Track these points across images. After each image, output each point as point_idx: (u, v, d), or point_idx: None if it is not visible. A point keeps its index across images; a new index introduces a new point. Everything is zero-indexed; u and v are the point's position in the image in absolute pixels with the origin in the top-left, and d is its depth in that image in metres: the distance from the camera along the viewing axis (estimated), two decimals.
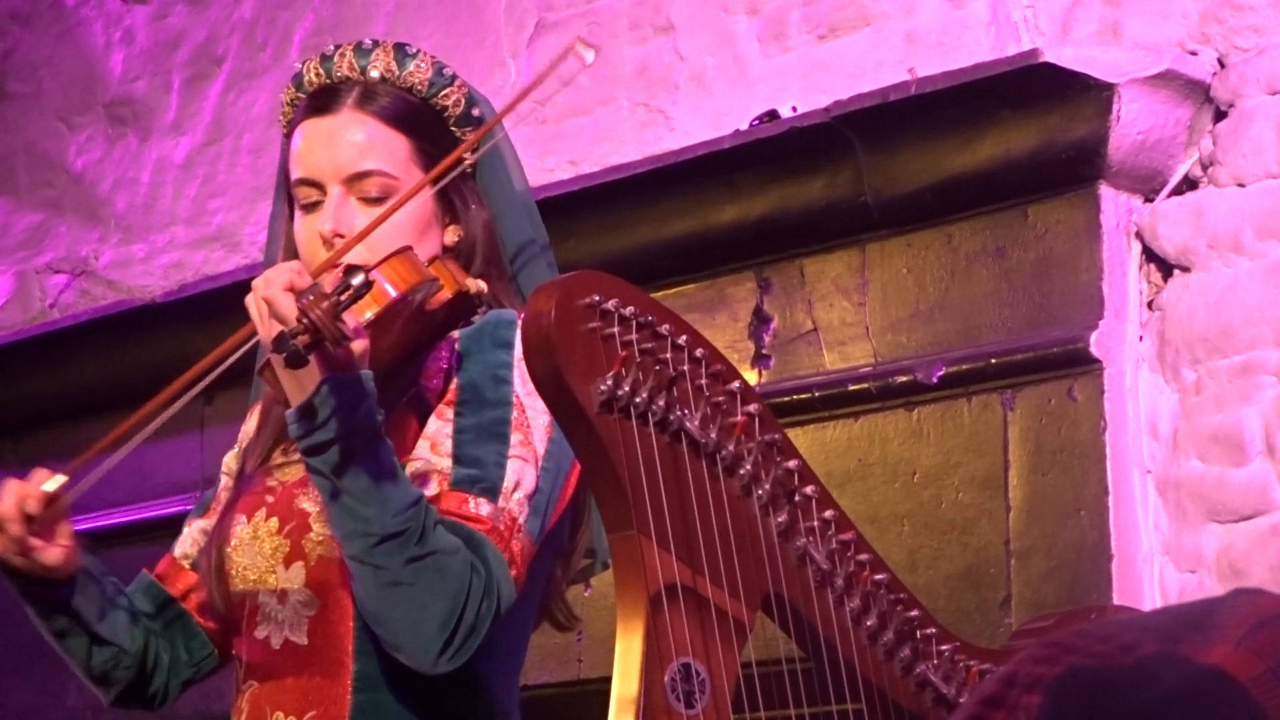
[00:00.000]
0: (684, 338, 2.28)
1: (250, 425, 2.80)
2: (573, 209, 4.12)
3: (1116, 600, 3.53)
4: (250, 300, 2.45)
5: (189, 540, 2.80)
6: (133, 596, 2.77)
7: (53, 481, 2.57)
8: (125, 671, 2.72)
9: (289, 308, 2.37)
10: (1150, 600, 3.59)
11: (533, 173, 4.18)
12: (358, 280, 2.36)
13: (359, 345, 2.44)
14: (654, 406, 2.24)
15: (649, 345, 2.26)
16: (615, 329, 2.24)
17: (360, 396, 2.44)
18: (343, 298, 2.35)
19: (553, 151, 4.50)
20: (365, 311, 2.47)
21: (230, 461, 2.82)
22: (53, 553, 2.59)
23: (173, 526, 2.80)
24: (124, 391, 5.04)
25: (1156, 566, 3.64)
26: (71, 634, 2.68)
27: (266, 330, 2.42)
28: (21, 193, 5.64)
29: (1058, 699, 1.10)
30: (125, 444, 2.58)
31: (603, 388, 2.23)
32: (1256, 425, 3.56)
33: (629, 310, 2.25)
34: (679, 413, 2.26)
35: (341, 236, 2.62)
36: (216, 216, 5.21)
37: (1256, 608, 1.14)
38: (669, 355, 2.26)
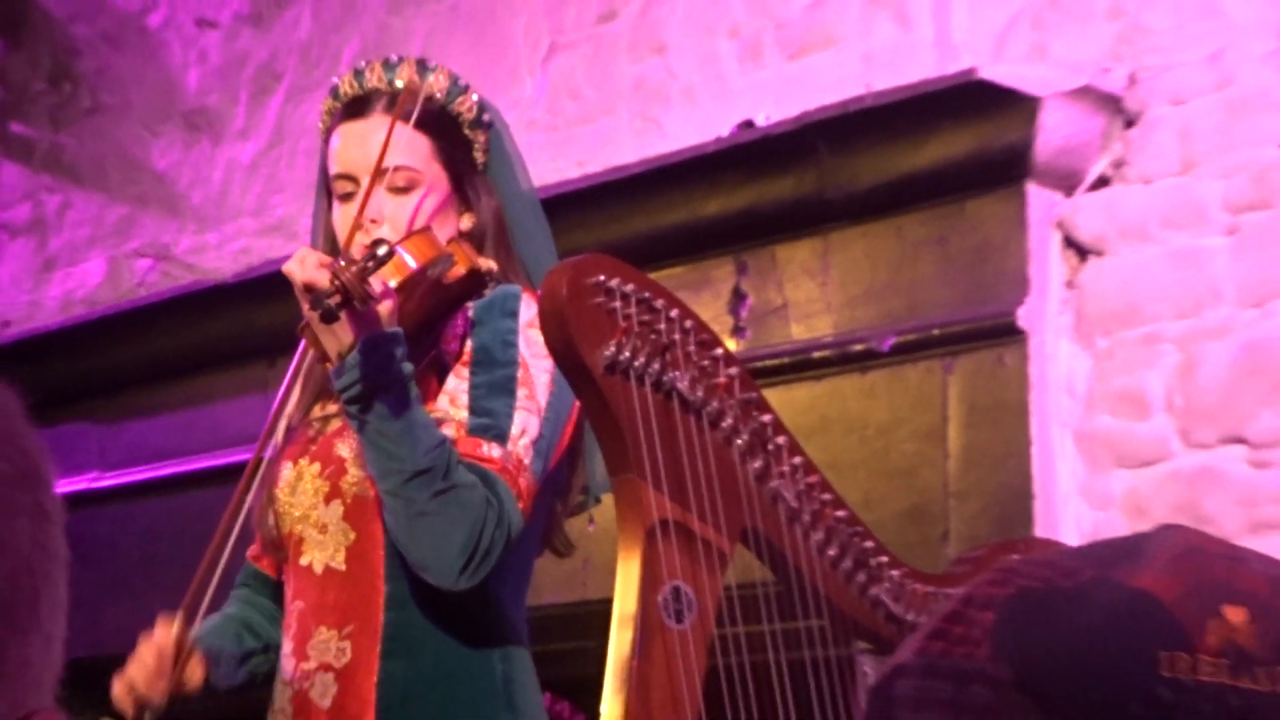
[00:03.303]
0: (675, 311, 2.26)
1: (296, 394, 2.78)
2: (580, 203, 4.11)
3: (1039, 534, 3.52)
4: (294, 281, 2.45)
5: None
6: (249, 585, 2.79)
7: (175, 625, 2.57)
8: (267, 662, 2.73)
9: (323, 276, 2.38)
10: (1068, 534, 3.58)
11: (546, 172, 4.17)
12: (382, 250, 2.38)
13: (386, 306, 2.44)
14: (650, 369, 2.23)
15: (646, 317, 2.24)
16: (618, 304, 2.22)
17: (392, 352, 2.44)
18: (369, 265, 2.36)
19: (563, 155, 4.48)
20: (389, 278, 2.47)
21: (282, 426, 2.80)
22: (195, 680, 2.61)
23: (242, 472, 2.78)
24: (199, 358, 5.06)
25: (1073, 506, 3.63)
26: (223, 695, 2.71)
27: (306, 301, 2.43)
28: (112, 190, 5.62)
29: (1008, 616, 1.09)
30: (210, 578, 2.57)
31: (607, 353, 2.21)
32: (1158, 386, 3.55)
33: (629, 288, 2.23)
34: (671, 374, 2.25)
35: (374, 221, 2.62)
36: (278, 209, 5.19)
37: (1179, 540, 1.13)
38: (663, 326, 2.25)
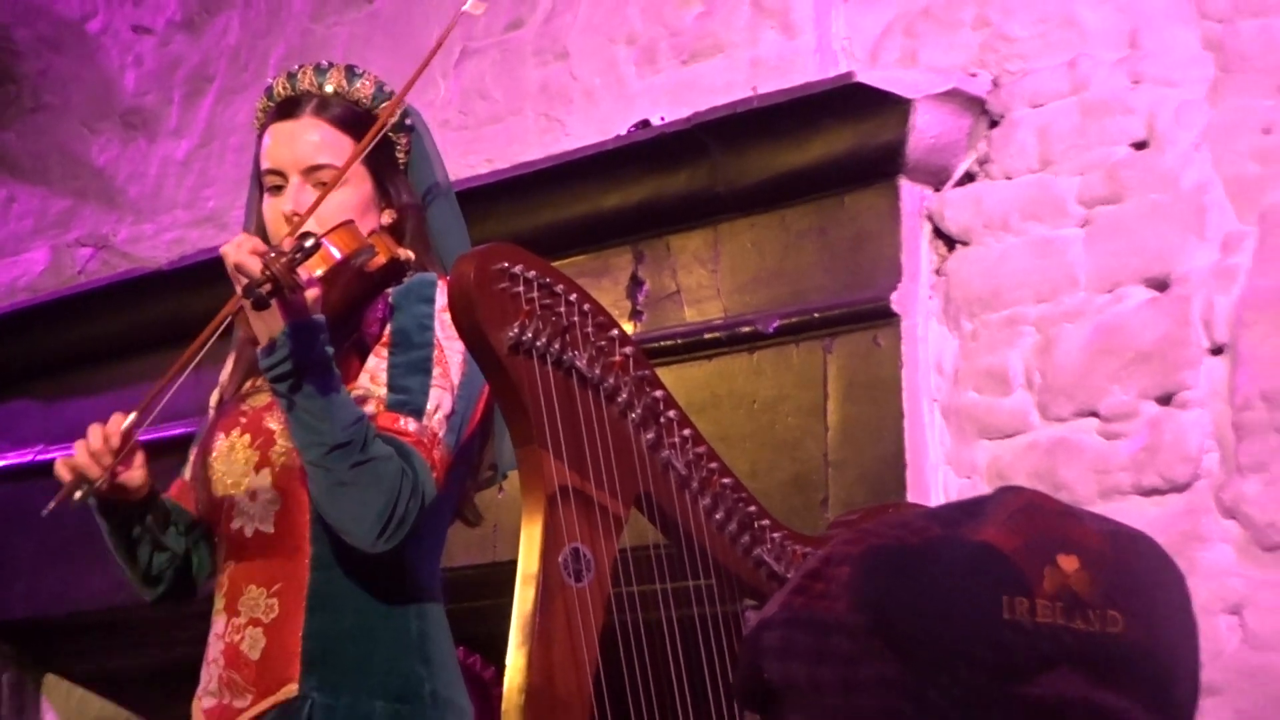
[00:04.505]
0: (575, 295, 2.27)
1: (228, 369, 2.80)
2: (490, 197, 4.10)
3: (910, 499, 3.55)
4: (226, 262, 2.46)
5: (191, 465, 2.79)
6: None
7: (126, 419, 2.54)
8: (175, 572, 2.72)
9: (255, 265, 2.38)
10: (936, 499, 3.61)
11: (458, 168, 4.15)
12: (309, 243, 2.41)
13: (312, 294, 2.46)
14: (551, 349, 2.24)
15: (547, 301, 2.25)
16: (521, 288, 2.23)
17: (314, 336, 2.45)
18: (296, 256, 2.39)
19: (474, 152, 4.48)
20: (316, 268, 2.49)
21: (214, 398, 2.81)
22: (134, 475, 2.58)
23: (176, 446, 2.77)
24: (137, 340, 5.01)
25: (941, 474, 3.66)
26: (142, 542, 2.67)
27: (238, 282, 2.44)
28: (54, 184, 5.57)
29: (861, 570, 1.11)
30: (171, 385, 2.56)
31: (511, 334, 2.22)
32: (1018, 365, 3.59)
33: (532, 274, 2.24)
34: (571, 353, 2.26)
35: (299, 215, 2.62)
36: (209, 202, 5.16)
37: (1017, 499, 1.15)
38: (563, 309, 2.26)
